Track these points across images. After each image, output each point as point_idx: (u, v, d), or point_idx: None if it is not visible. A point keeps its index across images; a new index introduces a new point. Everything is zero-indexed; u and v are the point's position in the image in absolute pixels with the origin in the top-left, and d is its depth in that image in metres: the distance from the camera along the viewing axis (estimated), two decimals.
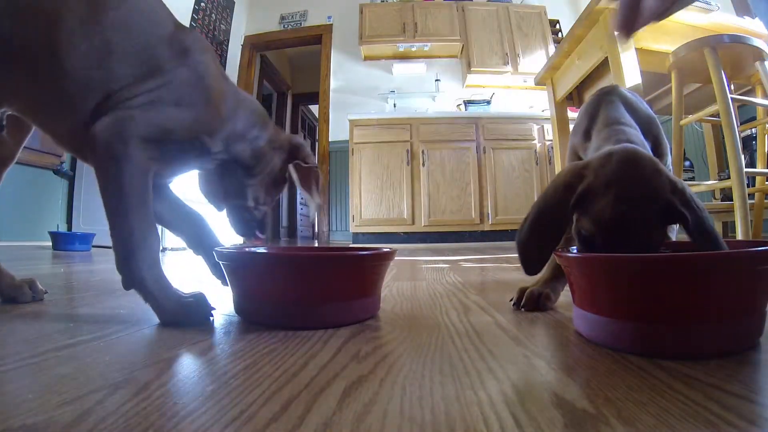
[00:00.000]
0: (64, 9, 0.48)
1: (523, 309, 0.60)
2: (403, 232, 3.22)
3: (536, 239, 0.45)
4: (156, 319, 0.54)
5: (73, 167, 2.45)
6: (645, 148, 0.51)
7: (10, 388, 0.30)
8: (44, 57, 0.48)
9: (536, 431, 0.24)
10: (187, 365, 0.37)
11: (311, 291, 0.50)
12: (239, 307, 0.55)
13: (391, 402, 0.28)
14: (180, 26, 0.58)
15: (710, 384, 0.30)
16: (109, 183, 0.48)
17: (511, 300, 0.63)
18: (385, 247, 0.61)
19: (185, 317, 0.52)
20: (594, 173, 0.43)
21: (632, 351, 0.37)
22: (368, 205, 3.23)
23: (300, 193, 0.84)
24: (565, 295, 0.64)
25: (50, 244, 1.99)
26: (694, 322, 0.36)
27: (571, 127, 2.32)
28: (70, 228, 2.42)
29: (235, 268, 0.54)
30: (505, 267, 1.29)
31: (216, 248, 0.58)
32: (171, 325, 0.51)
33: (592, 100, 0.60)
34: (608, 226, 0.41)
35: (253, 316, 0.53)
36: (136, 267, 0.50)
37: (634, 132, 0.53)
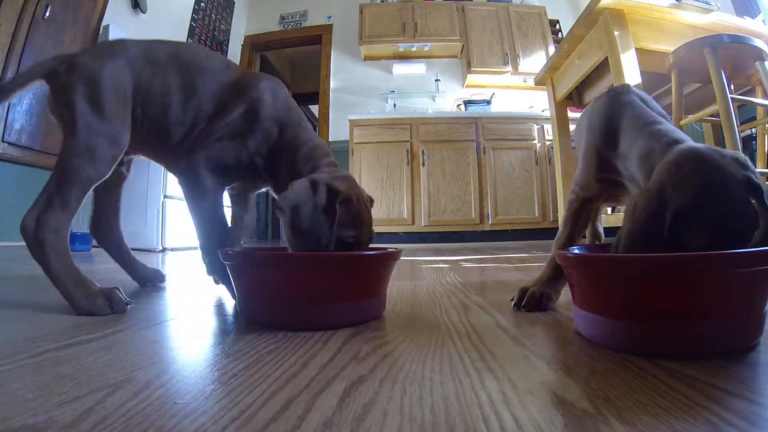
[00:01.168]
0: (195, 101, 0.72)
1: (523, 309, 0.60)
2: (403, 232, 3.22)
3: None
4: (156, 319, 0.54)
5: None
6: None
7: (10, 388, 0.30)
8: (171, 125, 0.71)
9: (536, 431, 0.24)
10: (187, 365, 0.37)
11: (320, 291, 0.50)
12: (244, 308, 0.55)
13: (391, 402, 0.28)
14: (243, 72, 0.77)
15: (710, 384, 0.30)
16: (191, 200, 0.69)
17: (511, 300, 0.63)
18: (390, 247, 0.60)
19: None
20: (682, 188, 0.40)
21: (632, 351, 0.37)
22: None
23: None
24: (565, 295, 0.64)
25: None
26: (693, 322, 0.36)
27: (572, 127, 2.32)
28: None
29: (242, 269, 0.54)
30: (505, 267, 1.29)
31: (219, 249, 0.58)
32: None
33: (608, 100, 0.57)
34: (719, 234, 0.39)
35: (258, 316, 0.53)
36: (210, 257, 0.69)
37: (675, 128, 0.50)
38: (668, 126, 0.50)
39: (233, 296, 0.65)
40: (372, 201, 0.67)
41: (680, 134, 0.48)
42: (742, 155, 0.42)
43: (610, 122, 0.55)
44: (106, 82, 0.65)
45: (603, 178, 0.58)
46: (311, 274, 0.50)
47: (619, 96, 0.56)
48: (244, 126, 0.70)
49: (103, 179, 0.64)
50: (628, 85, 0.58)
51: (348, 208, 0.59)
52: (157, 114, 0.70)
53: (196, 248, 0.87)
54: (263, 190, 0.81)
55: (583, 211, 0.63)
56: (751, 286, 0.36)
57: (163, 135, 0.71)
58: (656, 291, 0.36)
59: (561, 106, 2.21)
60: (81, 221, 2.44)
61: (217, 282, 0.79)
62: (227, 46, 4.09)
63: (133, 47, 0.71)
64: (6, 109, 2.00)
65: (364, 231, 0.61)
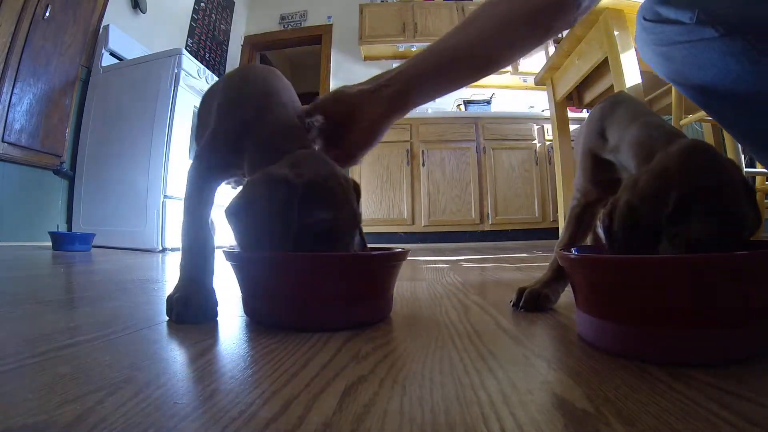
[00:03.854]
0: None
1: (522, 309, 0.60)
2: (403, 232, 3.22)
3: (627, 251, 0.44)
4: (156, 319, 0.54)
5: (73, 167, 2.45)
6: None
7: (10, 388, 0.30)
8: None
9: (536, 431, 0.24)
10: (187, 365, 0.37)
11: (320, 291, 0.50)
12: (250, 309, 0.54)
13: (391, 402, 0.28)
14: None
15: (710, 384, 0.30)
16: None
17: (510, 301, 0.63)
18: (398, 247, 0.60)
19: None
20: (680, 175, 0.40)
21: (639, 358, 0.36)
22: (368, 205, 3.23)
23: None
24: (564, 296, 0.64)
25: (50, 244, 1.99)
26: (699, 325, 0.35)
27: (572, 127, 2.30)
28: (70, 228, 2.42)
29: (255, 269, 0.53)
30: (505, 267, 1.29)
31: (225, 249, 0.57)
32: None
33: (606, 104, 0.58)
34: (721, 225, 0.38)
35: (266, 317, 0.52)
36: None
37: (667, 123, 0.50)
38: (663, 120, 0.50)
39: None
40: (356, 185, 0.57)
41: (669, 125, 0.48)
42: None
43: (601, 122, 0.56)
44: None
45: (600, 181, 0.58)
46: (311, 274, 0.50)
47: (615, 99, 0.57)
48: None
49: None
50: (623, 92, 0.59)
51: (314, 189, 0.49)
52: None
53: None
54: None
55: (584, 216, 0.63)
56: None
57: None
58: (663, 294, 0.35)
59: (561, 106, 2.21)
60: (81, 222, 2.45)
61: None
62: (227, 46, 4.09)
63: None
64: (6, 109, 2.00)
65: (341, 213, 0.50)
